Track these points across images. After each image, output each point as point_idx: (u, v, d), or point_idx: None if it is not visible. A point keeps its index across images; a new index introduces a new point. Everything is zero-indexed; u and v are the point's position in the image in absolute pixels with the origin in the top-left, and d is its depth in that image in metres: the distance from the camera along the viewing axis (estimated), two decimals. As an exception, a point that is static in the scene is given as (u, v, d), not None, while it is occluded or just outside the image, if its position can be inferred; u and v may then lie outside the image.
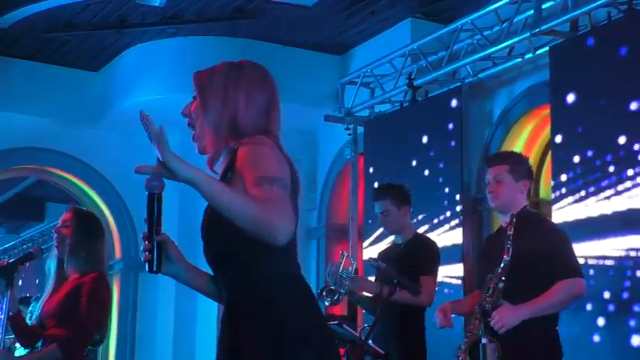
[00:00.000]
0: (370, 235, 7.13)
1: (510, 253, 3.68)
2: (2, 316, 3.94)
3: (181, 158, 1.99)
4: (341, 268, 4.71)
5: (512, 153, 4.38)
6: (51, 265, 4.01)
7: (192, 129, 2.29)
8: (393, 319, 4.57)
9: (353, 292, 4.69)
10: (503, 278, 3.69)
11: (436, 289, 4.76)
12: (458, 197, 6.49)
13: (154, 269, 2.16)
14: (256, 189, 2.06)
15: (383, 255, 4.93)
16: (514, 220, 3.77)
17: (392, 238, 5.02)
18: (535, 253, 3.80)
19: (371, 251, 6.77)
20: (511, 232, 3.71)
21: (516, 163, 4.04)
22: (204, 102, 2.25)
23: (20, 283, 4.09)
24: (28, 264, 4.03)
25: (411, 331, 4.65)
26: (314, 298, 2.29)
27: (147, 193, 2.15)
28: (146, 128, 2.02)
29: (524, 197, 4.01)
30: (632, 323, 4.94)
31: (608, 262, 5.10)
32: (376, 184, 6.58)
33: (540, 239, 3.85)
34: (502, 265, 3.69)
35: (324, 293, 4.60)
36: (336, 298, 4.59)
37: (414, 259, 4.69)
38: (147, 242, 2.15)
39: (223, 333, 2.23)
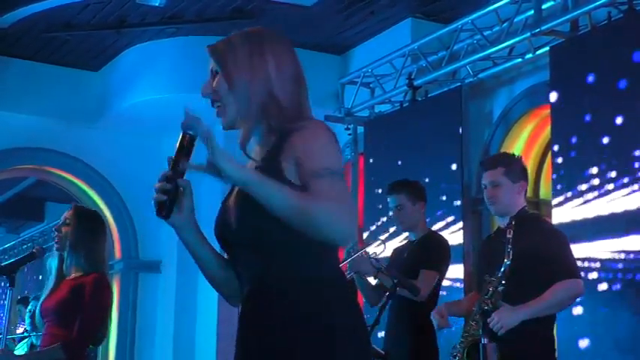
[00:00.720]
0: (379, 235, 7.09)
1: (511, 257, 3.67)
2: (3, 317, 3.95)
3: (232, 158, 1.85)
4: (363, 250, 4.69)
5: (506, 154, 4.36)
6: (52, 263, 4.02)
7: (215, 106, 2.08)
8: (403, 319, 4.55)
9: (357, 272, 4.65)
10: (503, 282, 3.69)
11: (434, 285, 4.63)
12: (458, 197, 6.48)
13: (164, 214, 1.98)
14: (317, 181, 1.89)
15: (397, 252, 4.90)
16: (513, 223, 3.76)
17: (406, 235, 4.97)
18: (533, 255, 3.79)
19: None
20: (510, 236, 3.71)
21: (511, 164, 4.02)
22: (229, 74, 2.03)
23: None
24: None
25: (422, 331, 4.62)
26: (357, 298, 2.11)
27: (182, 132, 1.98)
28: (187, 128, 1.90)
29: (522, 198, 4.00)
30: (634, 322, 4.94)
31: (609, 263, 5.09)
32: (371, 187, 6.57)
33: (538, 241, 3.84)
34: (502, 269, 3.68)
35: None
36: None
37: (423, 254, 4.66)
38: (166, 182, 1.94)
39: (248, 327, 2.00)
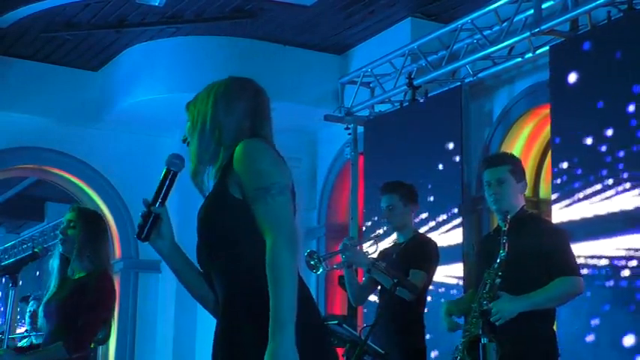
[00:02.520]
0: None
1: (506, 249, 3.69)
2: (7, 315, 3.94)
3: None
4: (360, 244, 4.70)
5: (510, 154, 4.36)
6: (54, 263, 4.01)
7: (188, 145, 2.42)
8: (393, 318, 4.56)
9: (349, 264, 4.67)
10: (499, 274, 3.70)
11: (423, 286, 4.62)
12: (458, 196, 6.48)
13: (142, 236, 2.30)
14: (255, 206, 2.17)
15: (384, 253, 4.92)
16: (509, 217, 3.78)
17: (394, 238, 4.99)
18: (534, 252, 3.80)
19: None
20: (505, 229, 3.73)
21: (515, 163, 4.03)
22: (194, 121, 2.39)
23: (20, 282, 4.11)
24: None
25: (412, 331, 4.64)
26: (312, 300, 2.28)
27: (165, 167, 2.34)
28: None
29: (523, 198, 4.01)
30: (630, 322, 4.94)
31: (608, 262, 5.09)
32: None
33: (539, 238, 3.85)
34: (498, 261, 3.71)
35: (306, 256, 4.59)
36: (314, 262, 4.57)
37: (412, 255, 4.67)
38: (146, 209, 2.29)
39: (218, 331, 2.30)
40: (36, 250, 3.98)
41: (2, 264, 3.99)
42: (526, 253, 3.78)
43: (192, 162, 2.35)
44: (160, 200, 2.31)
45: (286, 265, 2.09)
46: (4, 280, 3.89)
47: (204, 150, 2.33)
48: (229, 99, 2.38)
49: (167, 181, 2.33)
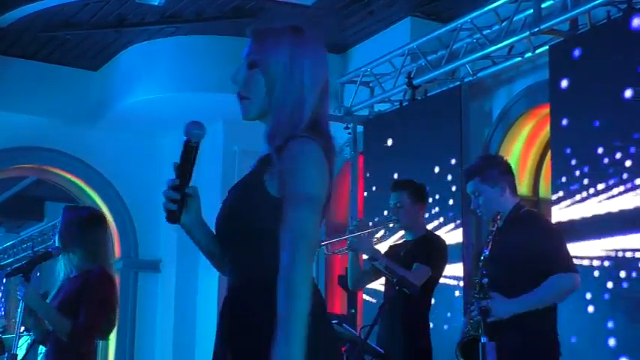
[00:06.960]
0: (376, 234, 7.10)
1: (489, 247, 3.69)
2: (19, 314, 3.95)
3: None
4: (367, 231, 4.73)
5: (482, 160, 4.26)
6: (61, 262, 4.03)
7: (241, 99, 2.08)
8: (397, 317, 4.56)
9: (354, 249, 4.68)
10: (484, 272, 3.69)
11: (425, 281, 4.60)
12: (457, 196, 6.48)
13: (174, 221, 2.06)
14: (288, 207, 1.92)
15: (393, 248, 4.92)
16: (498, 217, 3.82)
17: (402, 234, 5.00)
18: (527, 250, 3.78)
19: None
20: (493, 228, 3.74)
21: (485, 169, 3.99)
22: (267, 67, 2.05)
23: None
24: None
25: (416, 330, 4.63)
26: (323, 298, 2.15)
27: (184, 139, 2.03)
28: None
29: (510, 196, 3.97)
30: (630, 322, 4.94)
31: (609, 262, 5.09)
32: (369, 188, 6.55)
33: (533, 236, 3.84)
34: (482, 258, 3.71)
35: None
36: None
37: (418, 251, 4.68)
38: (174, 191, 2.02)
39: (223, 320, 2.08)
40: (50, 249, 3.98)
41: (16, 265, 4.00)
42: (517, 252, 3.77)
43: (250, 115, 2.07)
44: (187, 178, 2.03)
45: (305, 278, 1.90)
46: (4, 279, 3.90)
47: (278, 114, 2.04)
48: (317, 66, 2.08)
49: (191, 156, 2.02)
